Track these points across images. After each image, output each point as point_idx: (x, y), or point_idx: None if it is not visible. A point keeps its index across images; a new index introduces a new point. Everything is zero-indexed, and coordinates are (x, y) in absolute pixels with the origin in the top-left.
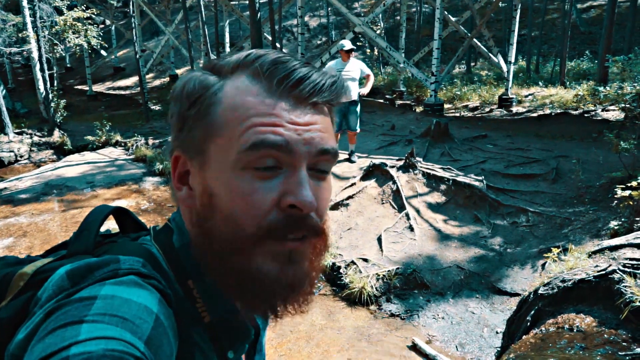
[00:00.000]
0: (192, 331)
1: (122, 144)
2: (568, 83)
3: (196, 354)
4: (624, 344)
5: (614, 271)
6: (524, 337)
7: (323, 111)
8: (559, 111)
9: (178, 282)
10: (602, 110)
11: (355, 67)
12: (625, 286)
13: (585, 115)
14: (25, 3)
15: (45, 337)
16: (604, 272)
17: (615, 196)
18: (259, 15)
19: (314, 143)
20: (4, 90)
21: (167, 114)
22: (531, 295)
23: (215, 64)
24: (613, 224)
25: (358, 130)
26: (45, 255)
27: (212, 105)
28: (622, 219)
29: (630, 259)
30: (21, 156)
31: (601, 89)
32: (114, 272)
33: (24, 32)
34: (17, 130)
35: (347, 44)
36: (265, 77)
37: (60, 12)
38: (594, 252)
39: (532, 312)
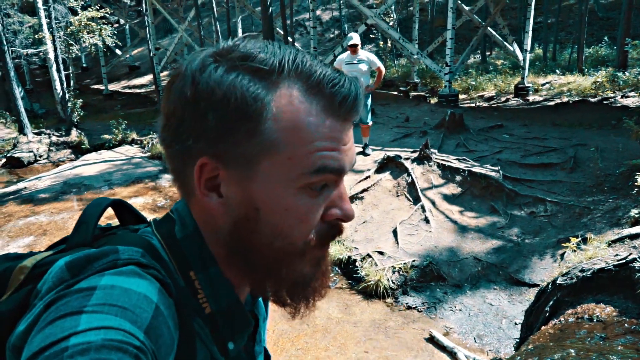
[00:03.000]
0: (193, 321)
1: (138, 142)
2: (586, 70)
3: (197, 344)
4: None
5: (634, 260)
6: (542, 328)
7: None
8: (576, 99)
9: (179, 272)
10: (622, 97)
11: (364, 59)
12: None
13: (604, 102)
14: (40, 5)
15: (44, 327)
16: (624, 261)
17: (636, 184)
18: (270, 10)
19: (353, 161)
20: (22, 92)
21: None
22: (550, 286)
23: (252, 66)
24: (634, 212)
25: (370, 123)
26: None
27: (267, 120)
28: None
29: None
30: (40, 156)
31: (620, 74)
32: (113, 262)
33: (40, 33)
34: (35, 131)
35: (354, 38)
36: (323, 96)
37: (74, 12)
38: (614, 241)
39: (551, 302)
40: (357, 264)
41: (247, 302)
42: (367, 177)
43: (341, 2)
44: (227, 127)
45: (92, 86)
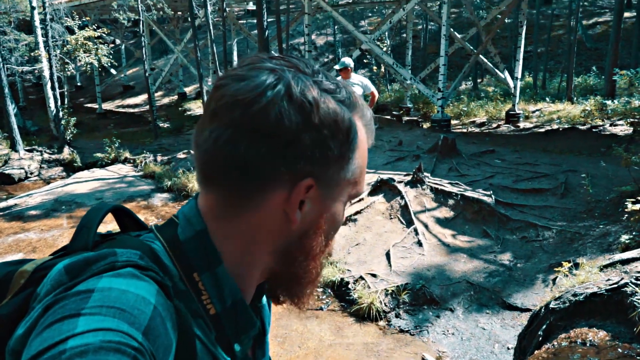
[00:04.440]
0: (194, 323)
1: (131, 161)
2: (575, 98)
3: (198, 346)
4: (638, 358)
5: (626, 284)
6: (536, 352)
7: None
8: (566, 126)
9: (183, 274)
10: (610, 125)
11: (358, 83)
12: (639, 299)
13: (593, 130)
14: (37, 23)
15: (43, 330)
16: (616, 286)
17: (626, 210)
18: (266, 33)
19: None
20: (16, 108)
21: (178, 130)
22: (542, 310)
23: (337, 97)
24: (624, 237)
25: None
26: None
27: (356, 150)
28: (633, 233)
29: None
30: (31, 173)
31: (609, 102)
32: (111, 264)
33: (36, 51)
34: (27, 148)
35: (346, 62)
36: (368, 130)
37: (71, 31)
38: (606, 266)
39: (544, 326)
40: (349, 286)
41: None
42: (360, 200)
43: (335, 27)
44: (341, 155)
45: (86, 105)
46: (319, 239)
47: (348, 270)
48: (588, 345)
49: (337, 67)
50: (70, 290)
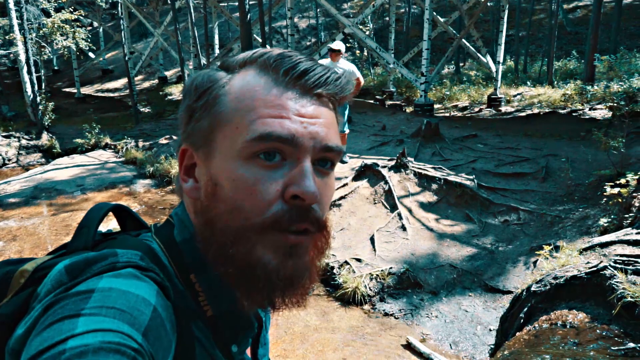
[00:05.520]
0: (192, 325)
1: (112, 147)
2: (556, 82)
3: (196, 347)
4: (616, 339)
5: (605, 267)
6: (517, 334)
7: (327, 105)
8: (547, 110)
9: (180, 276)
10: (590, 109)
11: (345, 68)
12: (617, 282)
13: (573, 114)
14: (12, 5)
15: (43, 330)
16: (595, 269)
17: (605, 194)
18: (248, 16)
19: (318, 138)
20: None
21: (159, 115)
22: (524, 293)
23: (223, 62)
24: (603, 221)
25: (347, 131)
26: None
27: (220, 96)
28: (612, 216)
29: (621, 255)
30: (9, 159)
31: (589, 87)
32: (112, 265)
33: (11, 34)
34: (4, 134)
35: (336, 45)
36: (272, 69)
37: (47, 14)
38: (585, 249)
39: (525, 309)
40: (334, 270)
41: None
42: (344, 185)
43: (318, 10)
44: (191, 108)
45: (64, 89)
46: (216, 204)
47: (333, 255)
48: (568, 327)
49: (331, 45)
50: (71, 291)
